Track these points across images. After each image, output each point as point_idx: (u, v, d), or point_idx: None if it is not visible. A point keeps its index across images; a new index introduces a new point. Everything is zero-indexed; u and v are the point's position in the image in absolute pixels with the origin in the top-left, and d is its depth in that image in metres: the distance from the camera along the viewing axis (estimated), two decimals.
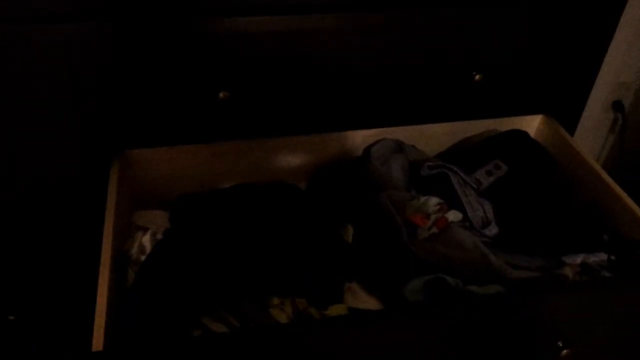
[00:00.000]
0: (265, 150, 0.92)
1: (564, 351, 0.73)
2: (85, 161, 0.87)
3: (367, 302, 0.76)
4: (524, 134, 0.97)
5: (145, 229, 0.80)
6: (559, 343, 0.73)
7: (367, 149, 0.92)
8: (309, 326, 0.69)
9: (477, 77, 0.93)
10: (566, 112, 1.03)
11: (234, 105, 0.87)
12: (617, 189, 0.85)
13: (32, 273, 0.96)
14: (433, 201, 0.81)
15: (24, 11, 0.74)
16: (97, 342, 0.62)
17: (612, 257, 0.79)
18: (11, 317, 0.99)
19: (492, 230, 0.81)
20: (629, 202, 0.83)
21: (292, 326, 0.70)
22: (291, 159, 0.94)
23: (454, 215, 0.81)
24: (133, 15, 0.78)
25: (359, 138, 0.94)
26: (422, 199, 0.82)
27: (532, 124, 1.02)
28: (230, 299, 0.71)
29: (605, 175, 0.88)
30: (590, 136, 1.53)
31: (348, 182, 0.89)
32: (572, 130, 1.05)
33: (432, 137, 0.98)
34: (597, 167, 0.89)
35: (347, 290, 0.77)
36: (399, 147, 0.92)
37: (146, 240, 0.77)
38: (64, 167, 0.88)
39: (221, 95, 0.85)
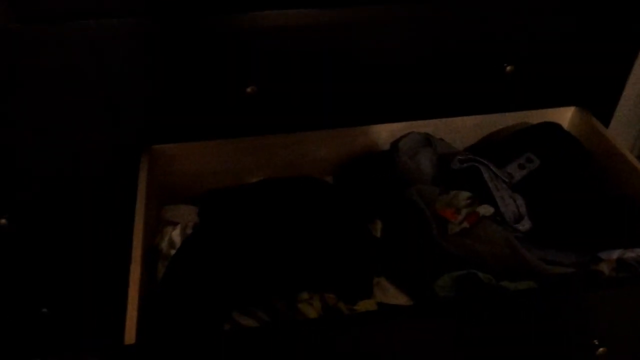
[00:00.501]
0: (293, 145, 0.91)
1: (600, 349, 0.71)
2: (115, 157, 0.88)
3: (397, 298, 0.76)
4: (557, 126, 0.95)
5: (174, 224, 0.80)
6: (595, 341, 0.71)
7: (395, 143, 0.91)
8: (338, 321, 0.69)
9: (508, 68, 0.91)
10: (600, 103, 1.00)
11: (262, 100, 0.87)
12: None
13: (64, 267, 0.98)
14: (464, 195, 0.80)
15: (56, 9, 0.75)
16: (130, 335, 0.62)
17: None
18: (44, 310, 1.01)
19: (525, 225, 0.79)
20: None
21: (321, 321, 0.70)
22: (319, 153, 0.93)
23: (485, 210, 0.79)
24: (162, 13, 0.78)
25: (387, 132, 0.93)
26: (452, 193, 0.81)
27: (565, 116, 0.99)
28: (259, 294, 0.71)
29: None
30: (625, 128, 1.49)
31: (376, 176, 0.88)
32: (606, 123, 1.02)
33: (462, 130, 0.96)
34: (633, 159, 0.87)
35: (376, 285, 0.76)
36: (428, 140, 0.91)
37: (176, 234, 0.77)
38: (95, 162, 0.89)
39: (249, 90, 0.85)
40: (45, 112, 0.83)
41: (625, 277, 0.75)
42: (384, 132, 0.93)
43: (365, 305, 0.73)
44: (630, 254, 0.76)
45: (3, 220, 0.89)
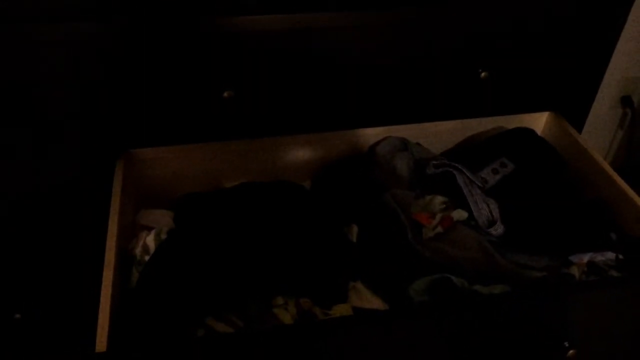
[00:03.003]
0: (270, 149, 0.91)
1: (571, 351, 0.72)
2: (90, 160, 0.87)
3: (372, 302, 0.76)
4: (531, 131, 0.96)
5: (149, 229, 0.80)
6: (566, 343, 0.72)
7: (372, 147, 0.91)
8: (312, 327, 0.69)
9: (483, 74, 0.92)
10: (574, 108, 1.01)
11: (239, 104, 0.87)
12: (625, 187, 0.84)
13: (37, 272, 0.97)
14: (438, 200, 0.81)
15: (29, 11, 0.75)
16: (101, 342, 0.62)
17: (620, 256, 0.78)
18: (17, 316, 1.00)
19: (498, 229, 0.80)
20: (638, 200, 0.82)
21: (296, 327, 0.70)
22: (296, 157, 0.93)
23: (459, 214, 0.80)
24: (138, 15, 0.78)
25: (364, 136, 0.94)
26: (428, 197, 0.82)
27: (539, 121, 1.01)
28: (234, 299, 0.71)
29: (613, 173, 0.87)
30: (599, 132, 1.52)
31: (353, 180, 0.88)
32: (580, 127, 1.04)
33: (438, 134, 0.97)
34: (605, 164, 0.88)
35: (351, 289, 0.77)
36: (404, 145, 0.92)
37: (150, 240, 0.77)
38: (69, 166, 0.88)
39: (225, 94, 0.84)
40: (17, 114, 0.81)
41: (596, 281, 0.76)
42: (362, 137, 0.94)
43: (340, 310, 0.74)
44: (600, 258, 0.78)
45: None
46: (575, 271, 0.76)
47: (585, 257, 0.77)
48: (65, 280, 0.97)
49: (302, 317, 0.72)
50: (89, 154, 0.87)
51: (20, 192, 0.89)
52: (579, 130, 1.00)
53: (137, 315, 0.67)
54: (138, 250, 0.76)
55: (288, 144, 0.92)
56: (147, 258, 0.75)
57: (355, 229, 0.82)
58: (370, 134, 0.93)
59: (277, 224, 0.79)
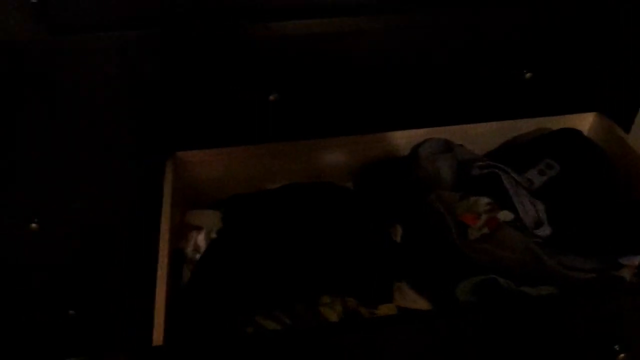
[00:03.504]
0: (313, 151, 0.93)
1: (621, 355, 0.71)
2: (140, 163, 0.90)
3: (417, 302, 0.76)
4: (577, 132, 0.95)
5: (199, 229, 0.82)
6: (616, 347, 0.71)
7: (415, 148, 0.91)
8: (358, 325, 0.70)
9: (527, 75, 0.91)
10: (620, 109, 1.00)
11: (284, 107, 0.88)
12: None
13: (92, 270, 1.00)
14: (484, 201, 0.81)
15: (80, 20, 0.78)
16: (157, 337, 0.64)
17: None
18: (71, 312, 1.04)
19: (545, 230, 0.80)
20: None
21: (342, 325, 0.71)
22: (338, 159, 0.94)
23: (505, 216, 0.80)
24: (185, 22, 0.80)
25: (406, 138, 0.94)
26: (473, 198, 0.81)
27: (585, 122, 0.99)
28: (282, 298, 0.72)
29: None
30: None
31: (396, 182, 0.89)
32: (627, 128, 1.02)
33: (481, 136, 0.97)
34: None
35: (396, 289, 0.77)
36: (448, 146, 0.92)
37: (201, 239, 0.79)
38: (120, 169, 0.91)
39: (271, 97, 0.86)
40: (72, 120, 0.85)
41: None
42: (403, 139, 0.94)
43: (385, 309, 0.74)
44: None
45: (34, 225, 0.92)
46: (625, 273, 0.74)
47: (636, 259, 0.75)
48: (119, 278, 1.01)
49: (347, 315, 0.73)
50: (140, 157, 0.90)
51: (76, 194, 0.92)
52: (626, 132, 0.98)
53: (190, 312, 0.70)
54: (189, 250, 0.78)
55: (330, 146, 0.93)
56: (197, 257, 0.77)
57: (399, 229, 0.83)
58: (412, 136, 0.94)
59: (322, 224, 0.80)
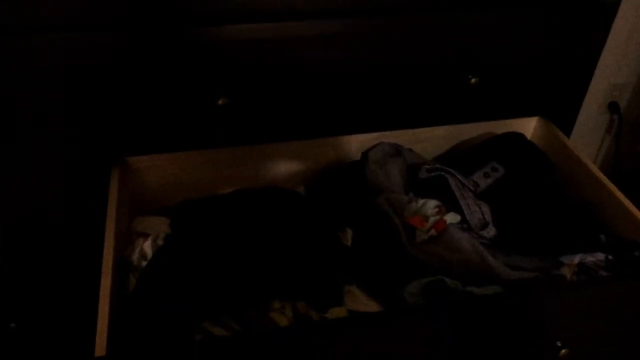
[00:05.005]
0: (264, 156, 0.92)
1: (563, 351, 0.73)
2: (85, 168, 0.88)
3: (367, 305, 0.77)
4: (521, 136, 0.98)
5: (145, 235, 0.80)
6: (558, 343, 0.73)
7: (365, 153, 0.92)
8: (308, 329, 0.69)
9: (473, 80, 0.93)
10: (562, 114, 1.03)
11: (233, 111, 0.88)
12: (614, 190, 0.86)
13: (33, 280, 0.97)
14: (431, 204, 0.82)
15: (21, 21, 0.75)
16: (100, 347, 0.62)
17: (610, 257, 0.79)
18: (12, 325, 1.00)
19: (490, 231, 0.82)
20: (626, 202, 0.84)
21: (292, 329, 0.70)
22: (289, 164, 0.94)
23: (452, 218, 0.81)
24: (132, 25, 0.79)
25: (356, 143, 0.95)
26: (421, 201, 0.83)
27: (529, 126, 1.02)
28: (231, 304, 0.71)
29: (601, 176, 0.88)
30: (587, 138, 1.54)
31: (346, 186, 0.90)
32: (568, 132, 1.06)
33: (429, 140, 0.99)
34: (594, 167, 0.90)
35: (346, 293, 0.77)
36: (397, 150, 0.93)
37: (147, 246, 0.77)
38: (64, 174, 0.88)
39: (220, 101, 0.85)
40: (13, 123, 0.82)
41: (586, 281, 0.78)
42: (354, 143, 0.95)
43: (336, 313, 0.74)
44: (590, 259, 0.79)
45: None
46: (566, 272, 0.77)
47: (576, 258, 0.78)
48: (61, 288, 0.97)
49: (298, 320, 0.72)
50: (85, 162, 0.87)
51: (17, 201, 0.89)
52: (567, 136, 1.02)
53: (135, 320, 0.68)
54: (135, 257, 0.76)
55: (281, 150, 0.93)
56: (144, 264, 0.75)
57: (349, 233, 0.83)
58: (363, 140, 0.95)
59: (273, 228, 0.80)
